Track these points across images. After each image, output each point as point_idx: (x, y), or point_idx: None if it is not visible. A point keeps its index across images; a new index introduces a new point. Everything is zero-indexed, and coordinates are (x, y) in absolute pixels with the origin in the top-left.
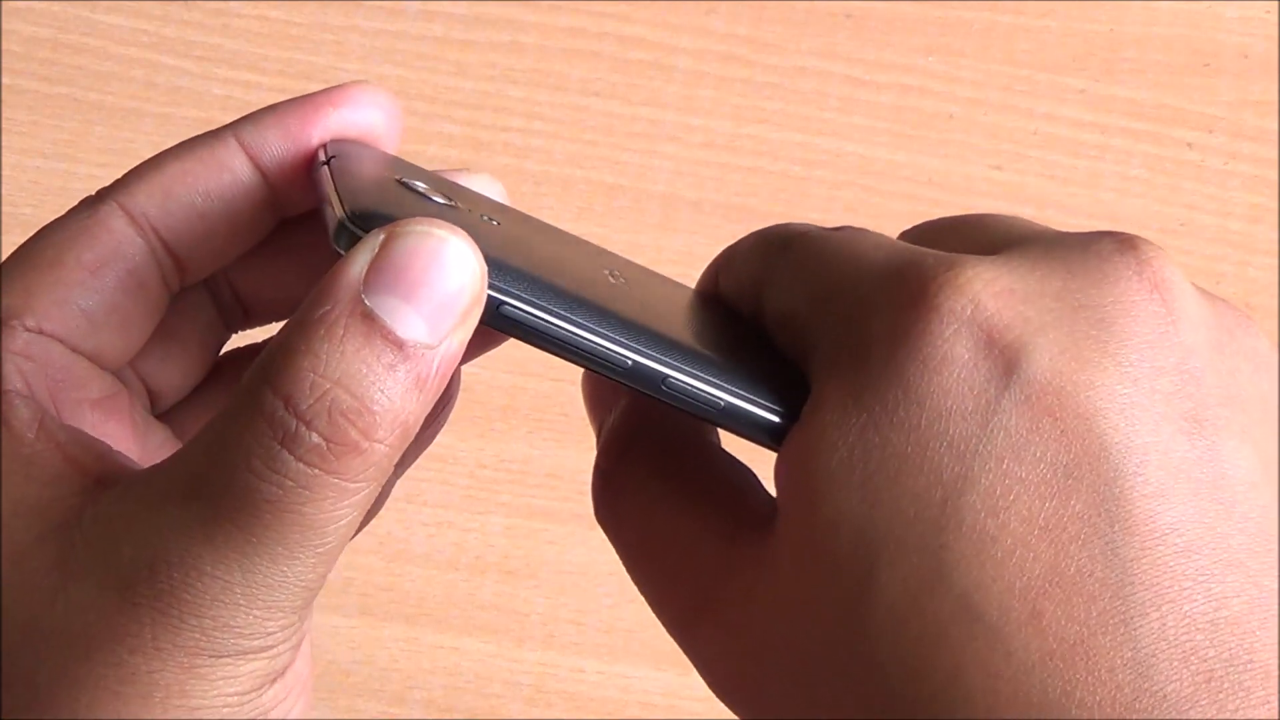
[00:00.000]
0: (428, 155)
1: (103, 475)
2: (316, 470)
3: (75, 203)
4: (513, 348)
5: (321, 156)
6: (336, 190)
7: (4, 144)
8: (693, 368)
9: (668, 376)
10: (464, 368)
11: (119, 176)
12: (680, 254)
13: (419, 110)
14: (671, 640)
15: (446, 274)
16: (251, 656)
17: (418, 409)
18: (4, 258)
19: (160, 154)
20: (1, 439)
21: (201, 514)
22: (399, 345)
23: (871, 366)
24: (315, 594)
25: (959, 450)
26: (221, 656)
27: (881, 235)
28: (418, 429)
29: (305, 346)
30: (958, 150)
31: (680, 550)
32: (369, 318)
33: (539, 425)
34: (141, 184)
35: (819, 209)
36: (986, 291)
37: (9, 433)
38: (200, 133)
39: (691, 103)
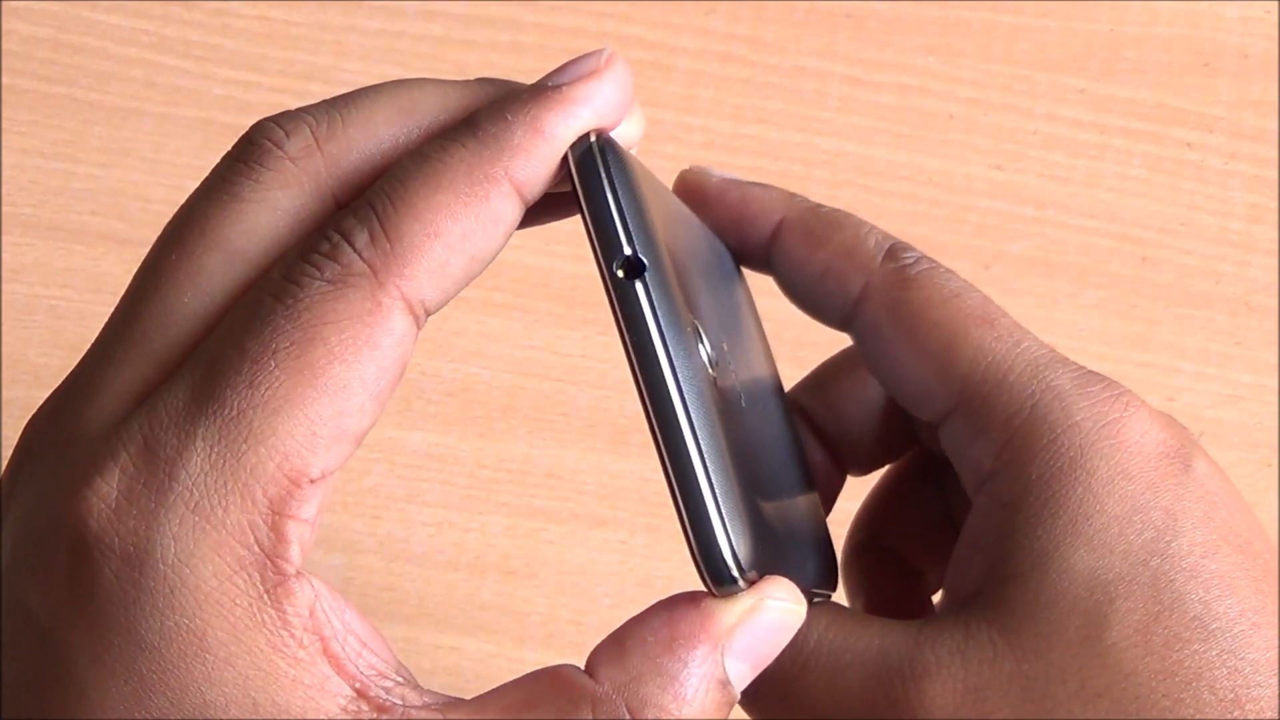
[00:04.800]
0: None
1: (361, 684)
2: None
3: (74, 202)
4: (512, 348)
5: (625, 276)
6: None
7: (4, 144)
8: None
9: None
10: (464, 367)
11: (385, 225)
12: None
13: None
14: None
15: (786, 641)
16: None
17: None
18: (6, 258)
19: (432, 205)
20: (276, 636)
21: None
22: (733, 702)
23: (1071, 451)
24: None
25: (1168, 510)
26: None
27: None
28: None
29: (664, 698)
30: (958, 150)
31: (868, 666)
32: (726, 686)
33: (539, 425)
34: (423, 264)
35: None
36: (1146, 407)
37: (286, 629)
38: (464, 167)
39: (691, 103)
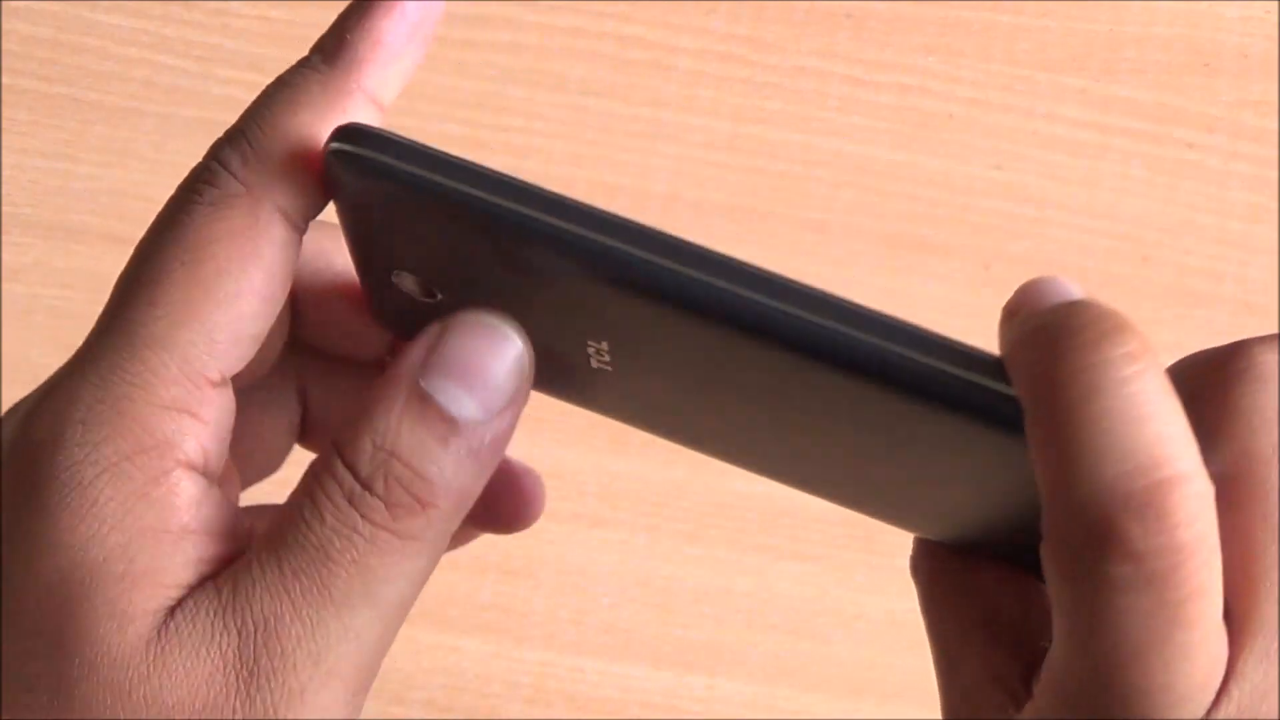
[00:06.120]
0: None
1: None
2: (377, 527)
3: (74, 202)
4: None
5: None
6: None
7: (4, 144)
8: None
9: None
10: None
11: (254, 147)
12: None
13: (419, 110)
14: (671, 640)
15: (496, 361)
16: None
17: (472, 478)
18: (6, 258)
19: (296, 124)
20: (159, 511)
21: (279, 570)
22: (451, 422)
23: None
24: (369, 672)
25: None
26: None
27: None
28: (475, 497)
29: (368, 423)
30: (958, 150)
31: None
32: (425, 399)
33: (539, 425)
34: (290, 178)
35: (819, 209)
36: None
37: (169, 509)
38: (319, 87)
39: (691, 103)
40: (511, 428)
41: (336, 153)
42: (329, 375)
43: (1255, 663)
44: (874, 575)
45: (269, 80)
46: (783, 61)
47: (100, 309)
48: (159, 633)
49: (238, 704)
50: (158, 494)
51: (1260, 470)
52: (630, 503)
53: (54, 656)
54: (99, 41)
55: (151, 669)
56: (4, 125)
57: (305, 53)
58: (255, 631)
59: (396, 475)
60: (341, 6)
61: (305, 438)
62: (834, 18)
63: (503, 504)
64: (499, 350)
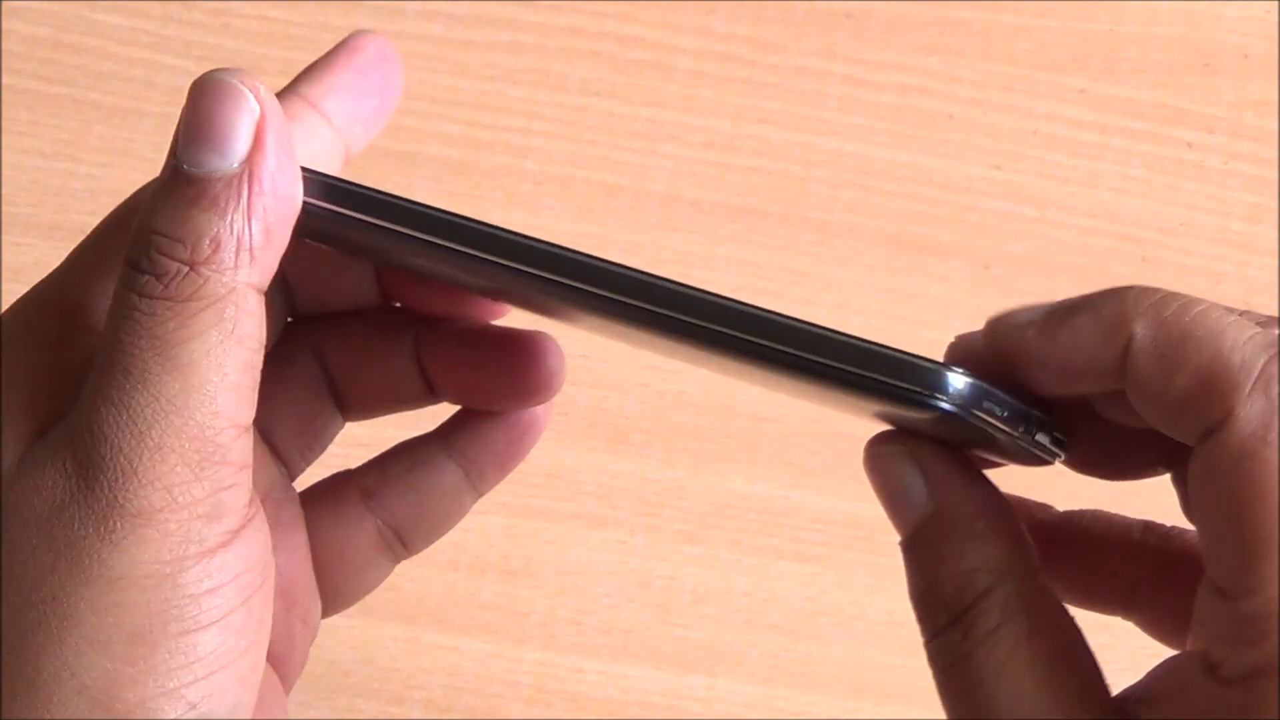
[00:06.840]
0: (427, 155)
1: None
2: (154, 299)
3: (74, 202)
4: None
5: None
6: None
7: (4, 144)
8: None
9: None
10: None
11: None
12: (679, 254)
13: (418, 110)
14: (671, 640)
15: (225, 109)
16: (160, 516)
17: (239, 225)
18: (6, 258)
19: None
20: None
21: (96, 373)
22: (197, 181)
23: None
24: (213, 447)
25: None
26: (132, 516)
27: None
28: (269, 248)
29: (138, 220)
30: (958, 150)
31: None
32: (174, 171)
33: None
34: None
35: (819, 209)
36: None
37: (58, 355)
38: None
39: (691, 103)
40: (282, 168)
41: None
42: (338, 334)
43: None
44: (874, 575)
45: (269, 80)
46: (783, 61)
47: None
48: (20, 459)
49: (80, 496)
50: (54, 348)
51: None
52: (630, 503)
53: None
54: (99, 41)
55: (11, 488)
56: (4, 125)
57: (305, 53)
58: (81, 430)
59: (157, 246)
60: (340, 8)
61: (342, 407)
62: (834, 18)
63: (516, 371)
64: (225, 98)
